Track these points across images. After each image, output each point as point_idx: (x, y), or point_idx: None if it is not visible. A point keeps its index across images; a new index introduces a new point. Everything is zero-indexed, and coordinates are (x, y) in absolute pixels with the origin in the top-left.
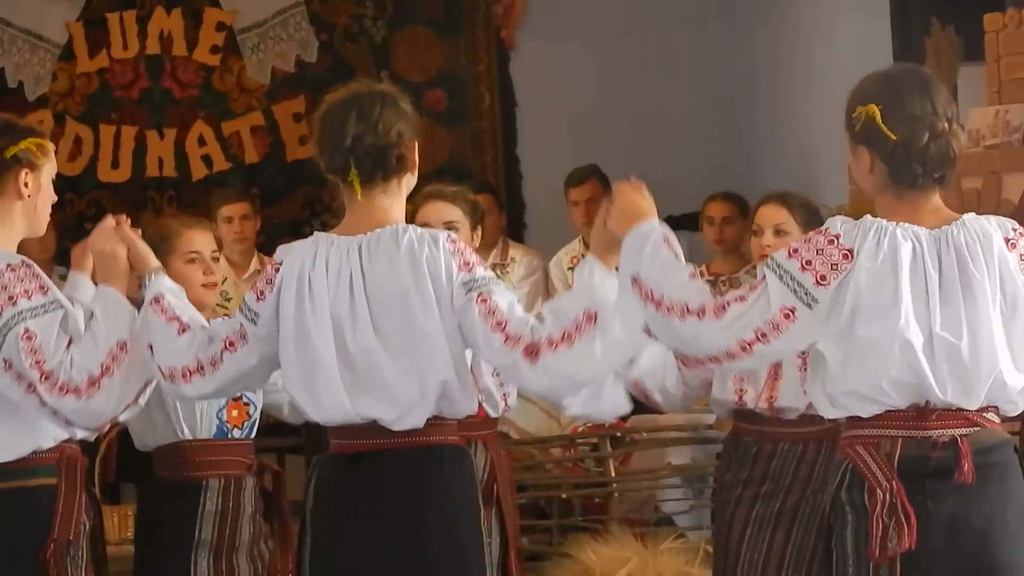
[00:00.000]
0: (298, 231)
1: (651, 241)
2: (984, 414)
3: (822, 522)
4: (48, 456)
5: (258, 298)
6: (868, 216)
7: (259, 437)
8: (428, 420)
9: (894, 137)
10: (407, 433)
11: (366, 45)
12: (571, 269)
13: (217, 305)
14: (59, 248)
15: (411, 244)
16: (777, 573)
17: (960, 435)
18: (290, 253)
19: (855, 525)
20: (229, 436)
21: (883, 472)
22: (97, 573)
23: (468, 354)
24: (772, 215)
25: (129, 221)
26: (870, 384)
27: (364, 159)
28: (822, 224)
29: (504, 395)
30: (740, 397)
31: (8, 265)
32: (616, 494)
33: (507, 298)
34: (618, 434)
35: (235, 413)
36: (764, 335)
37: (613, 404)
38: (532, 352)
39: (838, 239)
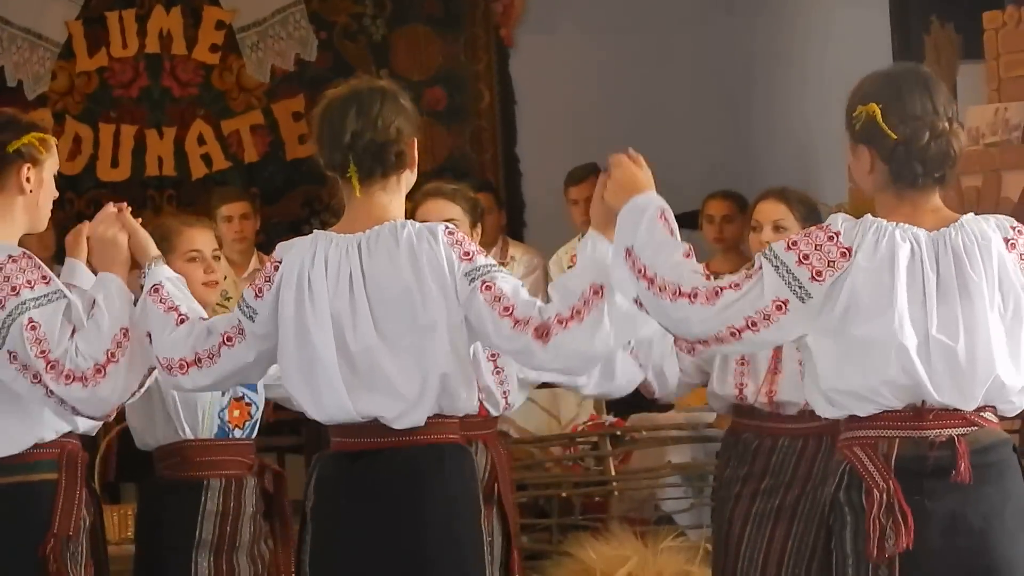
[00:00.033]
0: (298, 230)
1: (647, 215)
2: (982, 414)
3: (822, 518)
4: (49, 451)
5: (256, 295)
6: (869, 215)
7: (259, 436)
8: (429, 418)
9: (895, 136)
10: (408, 431)
11: (365, 44)
12: (571, 267)
13: (217, 304)
14: (59, 247)
15: (410, 239)
16: (777, 569)
17: (957, 435)
18: (289, 251)
19: (854, 526)
20: (230, 436)
21: (880, 472)
22: (97, 569)
23: (470, 349)
24: (771, 211)
25: (130, 209)
26: (865, 384)
27: (363, 155)
28: (820, 220)
29: (505, 393)
30: (740, 391)
31: (10, 256)
32: (616, 493)
33: (511, 283)
34: (618, 433)
35: (236, 413)
36: (754, 324)
37: (626, 378)
38: (543, 333)
39: (838, 236)
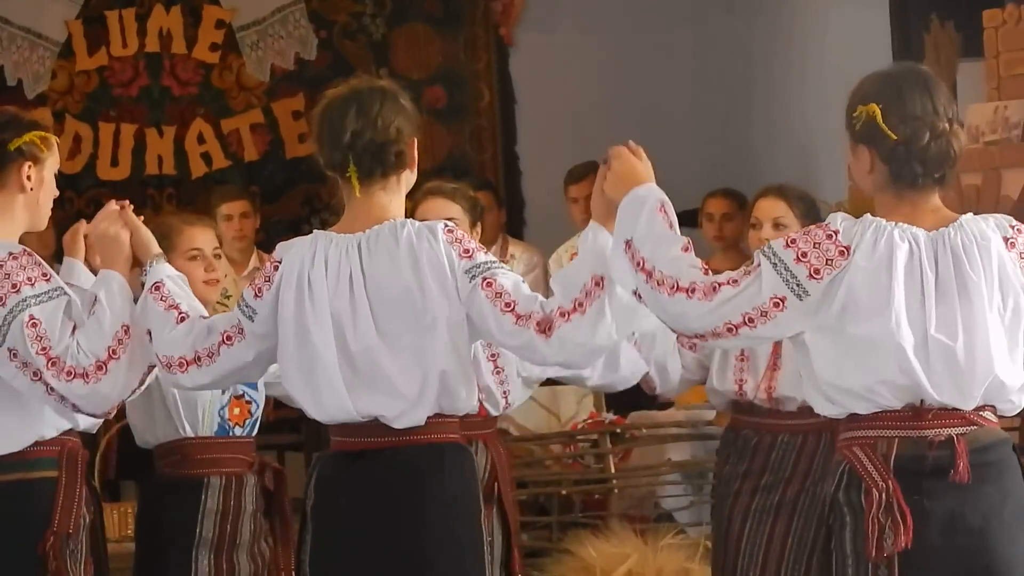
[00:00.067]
0: (297, 229)
1: (647, 207)
2: (981, 413)
3: (822, 516)
4: (49, 449)
5: (256, 295)
6: (868, 215)
7: (259, 434)
8: (429, 418)
9: (895, 137)
10: (408, 431)
11: (365, 42)
12: None
13: (217, 302)
14: (58, 245)
15: (410, 238)
16: (778, 566)
17: (957, 434)
18: (289, 251)
19: (853, 526)
20: (231, 434)
21: (879, 472)
22: (96, 567)
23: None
24: (770, 208)
25: (132, 207)
26: (863, 383)
27: (363, 155)
28: (820, 216)
29: (505, 393)
30: (740, 387)
31: (10, 254)
32: (616, 490)
33: (511, 278)
34: (618, 430)
35: (237, 411)
36: (751, 320)
37: (630, 369)
38: (545, 327)
39: (837, 235)
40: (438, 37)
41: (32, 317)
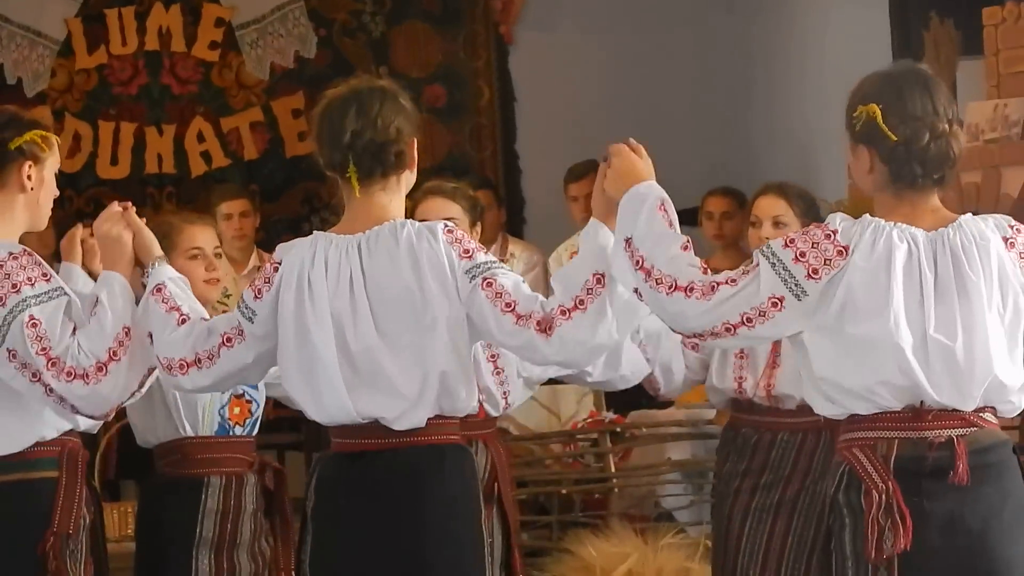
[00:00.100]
0: (297, 227)
1: (647, 204)
2: (981, 414)
3: (821, 516)
4: (49, 449)
5: (256, 296)
6: (867, 215)
7: (259, 434)
8: (429, 420)
9: (894, 137)
10: (408, 432)
11: (365, 41)
12: None
13: (217, 301)
14: (58, 245)
15: (410, 239)
16: (778, 564)
17: (956, 435)
18: (289, 252)
19: (853, 527)
20: (231, 433)
21: (879, 473)
22: (96, 567)
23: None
24: (770, 206)
25: (134, 209)
26: (862, 383)
27: (363, 155)
28: (820, 215)
29: (505, 394)
30: (740, 385)
31: (10, 254)
32: (616, 490)
33: (511, 278)
34: (618, 429)
35: (237, 410)
36: (750, 320)
37: (631, 369)
38: (546, 327)
39: (835, 235)
40: (438, 35)
41: (32, 317)
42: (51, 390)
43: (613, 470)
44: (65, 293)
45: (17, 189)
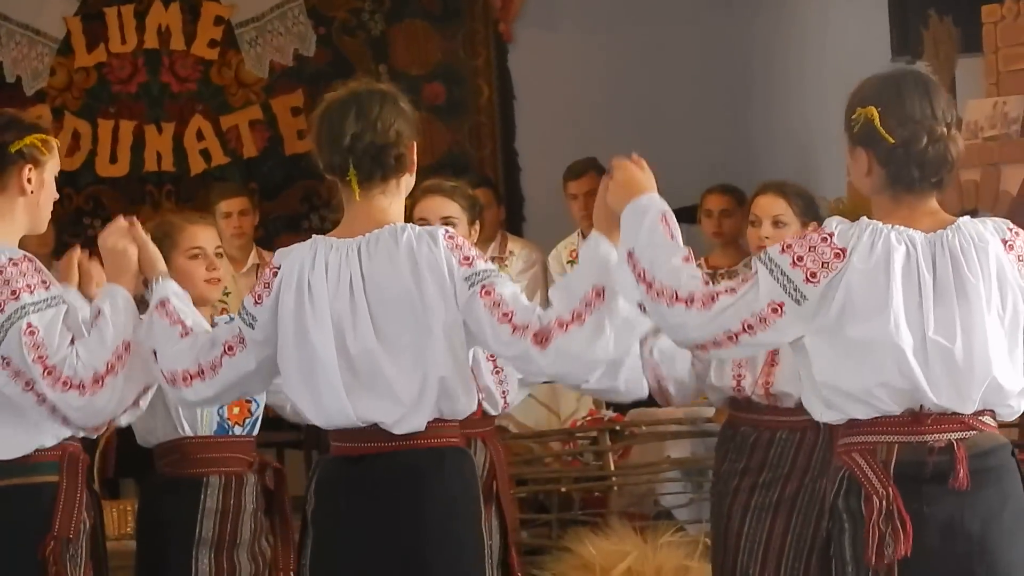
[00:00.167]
0: (296, 225)
1: (649, 217)
2: (980, 418)
3: (821, 511)
4: (50, 453)
5: (255, 302)
6: (864, 217)
7: (259, 432)
8: (429, 423)
9: (892, 140)
10: (408, 436)
11: (364, 39)
12: (570, 263)
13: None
14: (58, 243)
15: (410, 242)
16: (778, 562)
17: (956, 439)
18: (288, 256)
19: (852, 532)
20: (230, 433)
21: (879, 479)
22: (96, 571)
23: (468, 353)
24: (769, 205)
25: (139, 224)
26: (861, 386)
27: (362, 158)
28: (819, 214)
29: (504, 393)
30: (738, 383)
31: (10, 259)
32: (615, 488)
33: (510, 288)
34: (617, 428)
35: (236, 410)
36: (750, 327)
37: (629, 386)
38: (542, 339)
39: (832, 238)
40: (437, 33)
41: (30, 325)
42: (44, 399)
43: (612, 468)
44: (64, 302)
45: (17, 192)
